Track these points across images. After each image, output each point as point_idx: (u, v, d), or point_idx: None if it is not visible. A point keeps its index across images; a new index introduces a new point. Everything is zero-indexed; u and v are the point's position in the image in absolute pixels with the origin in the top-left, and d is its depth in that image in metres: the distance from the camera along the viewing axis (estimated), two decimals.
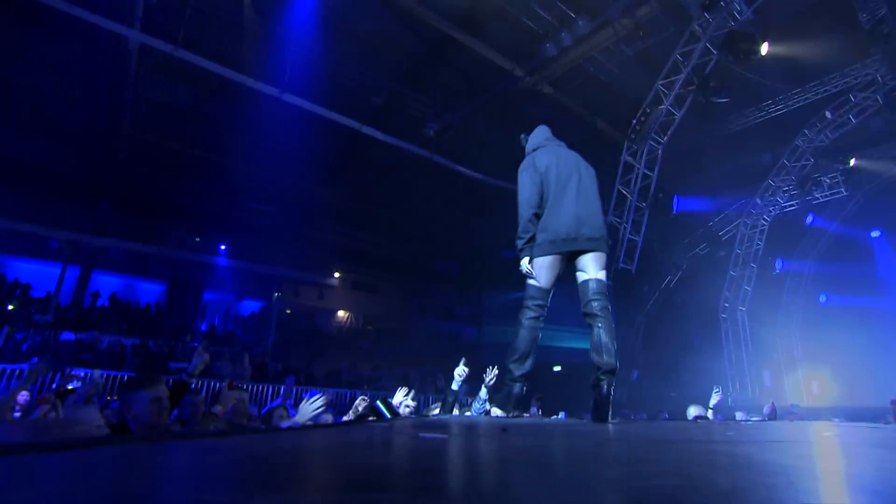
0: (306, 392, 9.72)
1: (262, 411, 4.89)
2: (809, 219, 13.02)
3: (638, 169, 10.41)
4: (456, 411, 4.08)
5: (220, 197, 15.99)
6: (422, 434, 1.45)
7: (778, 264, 13.57)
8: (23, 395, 5.33)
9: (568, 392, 9.32)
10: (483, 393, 4.07)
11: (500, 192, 12.28)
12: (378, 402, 2.82)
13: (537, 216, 2.73)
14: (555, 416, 5.19)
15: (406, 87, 11.20)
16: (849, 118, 10.84)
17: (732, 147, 12.94)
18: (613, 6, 8.95)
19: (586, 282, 2.65)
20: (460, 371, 3.89)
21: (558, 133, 3.08)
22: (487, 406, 3.85)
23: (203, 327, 15.35)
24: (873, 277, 12.77)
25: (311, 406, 3.14)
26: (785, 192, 12.14)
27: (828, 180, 11.54)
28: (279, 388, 9.29)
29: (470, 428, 1.96)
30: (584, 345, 2.66)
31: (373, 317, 20.61)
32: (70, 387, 5.10)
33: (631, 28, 9.23)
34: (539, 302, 2.70)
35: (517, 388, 2.64)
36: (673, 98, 9.67)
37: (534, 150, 2.97)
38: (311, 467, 0.97)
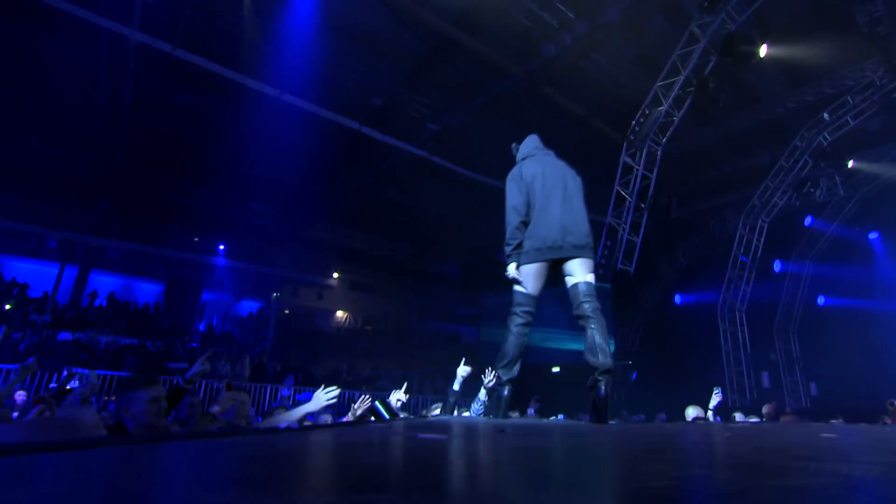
0: (304, 393, 9.72)
1: (261, 414, 4.89)
2: (808, 220, 13.07)
3: (637, 170, 10.41)
4: (456, 412, 4.07)
5: (218, 197, 15.97)
6: (421, 435, 1.46)
7: (776, 265, 13.60)
8: (20, 395, 5.32)
9: (566, 394, 9.31)
10: (482, 394, 4.06)
11: (499, 193, 12.14)
12: (377, 403, 2.83)
13: (525, 224, 2.83)
14: (553, 418, 5.19)
15: (405, 87, 11.20)
16: (847, 120, 10.85)
17: (731, 148, 12.99)
18: (613, 7, 8.97)
19: (576, 285, 2.71)
20: (463, 371, 3.90)
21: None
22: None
23: (201, 327, 15.33)
24: (872, 279, 12.78)
25: (326, 396, 3.16)
26: (783, 193, 12.17)
27: (826, 182, 11.57)
28: (278, 389, 9.27)
29: (469, 429, 1.96)
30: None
31: (372, 317, 20.59)
32: (70, 387, 5.09)
33: (630, 29, 9.25)
34: (526, 308, 2.78)
35: (506, 391, 2.72)
36: (672, 99, 9.69)
37: (522, 159, 3.08)
38: (311, 468, 0.97)
